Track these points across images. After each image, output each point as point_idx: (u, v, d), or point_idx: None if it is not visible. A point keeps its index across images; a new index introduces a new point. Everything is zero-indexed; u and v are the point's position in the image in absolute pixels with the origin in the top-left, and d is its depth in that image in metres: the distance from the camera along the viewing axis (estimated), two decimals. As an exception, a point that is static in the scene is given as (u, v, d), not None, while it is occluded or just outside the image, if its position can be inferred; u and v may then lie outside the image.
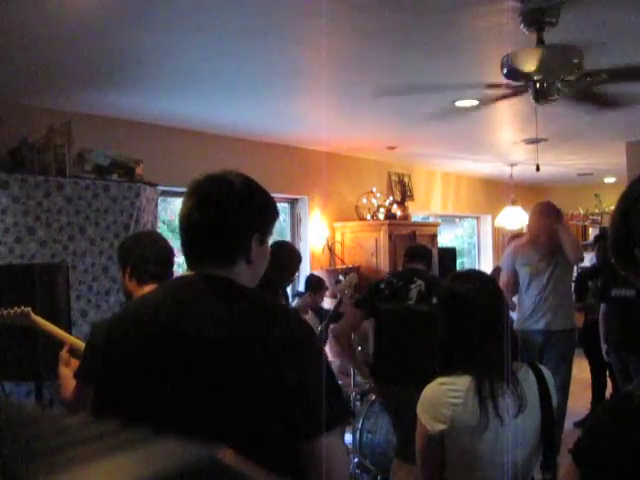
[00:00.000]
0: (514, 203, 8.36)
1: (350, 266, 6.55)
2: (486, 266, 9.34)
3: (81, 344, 2.26)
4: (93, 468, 0.34)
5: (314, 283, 5.12)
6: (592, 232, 9.65)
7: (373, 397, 4.34)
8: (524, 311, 4.56)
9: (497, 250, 9.94)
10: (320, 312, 5.02)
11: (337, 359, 4.58)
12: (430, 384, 1.85)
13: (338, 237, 7.02)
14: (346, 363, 4.40)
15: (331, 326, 4.39)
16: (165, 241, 2.41)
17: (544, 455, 1.85)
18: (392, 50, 3.50)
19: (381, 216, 7.04)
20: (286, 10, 2.86)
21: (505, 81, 3.52)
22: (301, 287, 5.54)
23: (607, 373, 5.58)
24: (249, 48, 3.39)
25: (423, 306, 3.57)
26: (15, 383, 3.49)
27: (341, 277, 5.11)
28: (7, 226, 3.72)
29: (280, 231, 6.58)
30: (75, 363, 2.19)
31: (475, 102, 4.59)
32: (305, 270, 6.16)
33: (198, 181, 1.44)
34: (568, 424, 4.63)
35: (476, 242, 10.34)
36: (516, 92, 3.76)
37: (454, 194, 9.20)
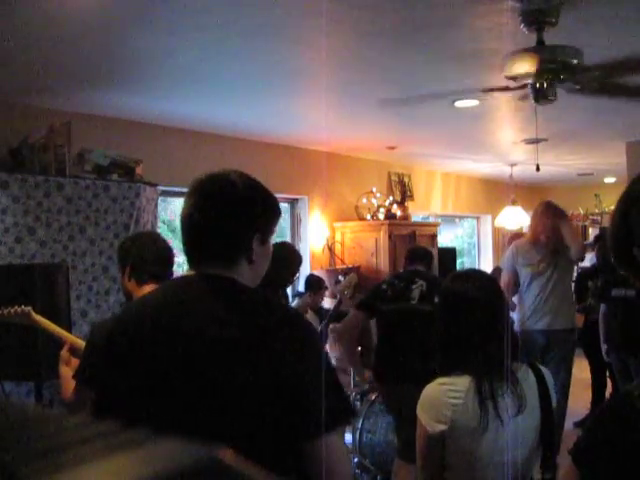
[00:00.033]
0: (514, 203, 8.36)
1: (350, 266, 6.55)
2: (486, 266, 9.34)
3: (82, 343, 2.26)
4: (93, 468, 0.34)
5: (314, 283, 5.12)
6: (592, 232, 9.64)
7: (373, 397, 4.34)
8: (525, 311, 4.57)
9: (497, 250, 9.94)
10: (320, 312, 5.02)
11: (336, 359, 4.58)
12: (430, 384, 1.84)
13: (338, 237, 7.02)
14: (346, 363, 4.41)
15: (331, 326, 4.40)
16: (164, 241, 2.41)
17: (543, 455, 1.86)
18: (392, 50, 3.50)
19: (381, 216, 7.05)
20: (286, 10, 2.86)
21: (505, 81, 3.52)
22: (301, 287, 5.54)
23: (607, 373, 5.58)
24: (249, 48, 3.39)
25: (425, 306, 3.58)
26: (15, 383, 3.49)
27: (341, 277, 5.11)
28: (7, 226, 3.72)
29: (280, 231, 6.58)
30: (76, 362, 2.19)
31: (475, 102, 4.59)
32: (305, 270, 6.16)
33: (200, 180, 1.43)
34: (568, 424, 4.63)
35: (476, 242, 10.34)
36: (516, 92, 3.76)
37: (454, 194, 9.20)
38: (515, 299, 4.69)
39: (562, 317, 4.49)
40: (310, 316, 4.79)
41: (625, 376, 4.73)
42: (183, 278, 1.50)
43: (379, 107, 4.81)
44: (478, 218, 10.20)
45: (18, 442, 0.37)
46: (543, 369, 1.92)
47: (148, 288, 2.12)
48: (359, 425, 4.24)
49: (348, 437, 4.18)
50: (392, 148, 6.75)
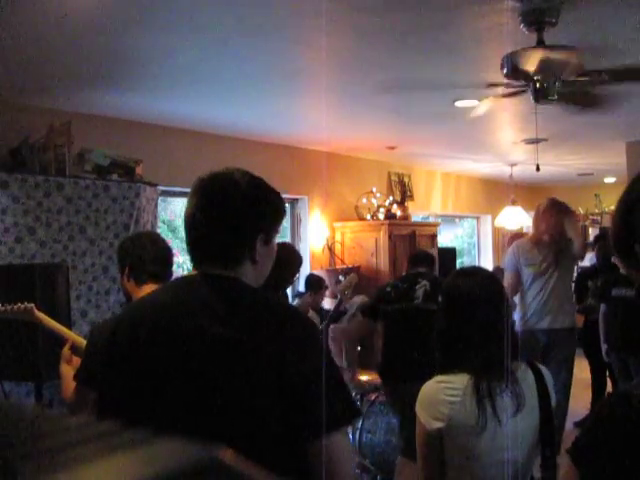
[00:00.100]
0: (514, 203, 8.36)
1: (350, 266, 6.55)
2: (486, 266, 9.34)
3: (83, 341, 2.26)
4: (93, 468, 0.34)
5: (314, 283, 5.12)
6: (592, 232, 9.65)
7: (373, 397, 4.35)
8: (526, 311, 4.57)
9: (497, 250, 9.95)
10: (321, 312, 5.02)
11: (336, 358, 4.58)
12: (428, 382, 1.85)
13: (338, 237, 7.02)
14: (341, 361, 4.43)
15: (332, 326, 4.41)
16: (164, 241, 2.41)
17: (543, 454, 1.86)
18: (392, 50, 3.50)
19: (381, 216, 7.05)
20: (286, 10, 2.86)
21: (505, 81, 3.52)
22: (301, 287, 5.54)
23: (607, 373, 5.58)
24: (249, 48, 3.39)
25: (429, 305, 3.61)
26: (15, 383, 3.49)
27: (341, 277, 5.12)
28: (7, 226, 3.72)
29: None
30: (77, 361, 2.19)
31: (475, 102, 4.59)
32: (305, 270, 6.16)
33: (203, 179, 1.42)
34: (568, 424, 4.63)
35: (476, 242, 10.34)
36: (516, 92, 3.76)
37: (454, 194, 9.21)
38: (516, 299, 4.69)
39: (563, 316, 4.49)
40: (311, 316, 4.79)
41: (625, 376, 4.73)
42: (186, 278, 1.49)
43: (379, 107, 4.81)
44: (478, 218, 10.21)
45: (18, 442, 0.37)
46: (542, 368, 1.92)
47: (147, 288, 2.12)
48: (359, 425, 4.25)
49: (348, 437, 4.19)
50: (392, 148, 6.75)
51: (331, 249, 6.84)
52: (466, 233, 10.81)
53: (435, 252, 6.93)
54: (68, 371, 2.18)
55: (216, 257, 1.39)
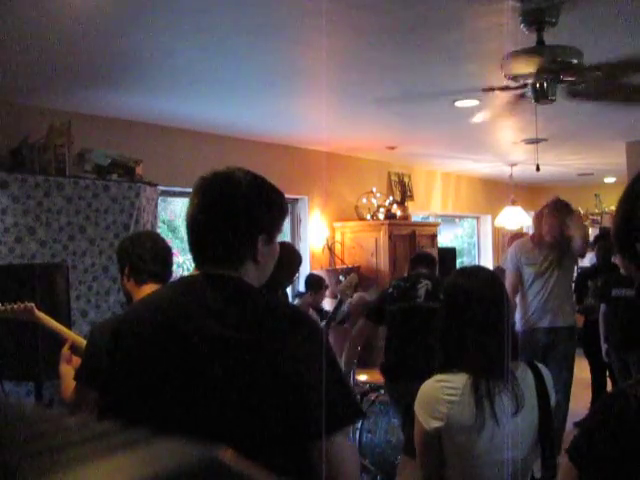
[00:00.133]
0: (514, 203, 8.36)
1: (350, 266, 6.55)
2: (486, 266, 9.34)
3: (83, 341, 2.26)
4: (93, 468, 0.34)
5: (314, 283, 5.12)
6: (592, 232, 9.64)
7: (373, 397, 4.35)
8: (527, 309, 4.57)
9: (497, 250, 9.95)
10: (321, 312, 5.02)
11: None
12: (427, 381, 1.85)
13: (338, 237, 7.02)
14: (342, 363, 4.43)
15: (332, 324, 4.42)
16: (164, 241, 2.41)
17: (542, 454, 1.86)
18: (392, 50, 3.50)
19: (381, 216, 7.05)
20: (286, 10, 2.86)
21: (505, 81, 3.52)
22: (301, 287, 5.54)
23: (607, 373, 5.58)
24: (249, 48, 3.39)
25: (431, 303, 3.63)
26: (15, 383, 3.50)
27: (341, 277, 5.12)
28: (7, 226, 3.72)
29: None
30: (77, 361, 2.19)
31: (475, 102, 4.59)
32: (305, 270, 6.17)
33: (204, 179, 1.42)
34: (568, 424, 4.62)
35: (476, 242, 10.34)
36: (516, 92, 3.77)
37: (454, 194, 9.21)
38: (517, 298, 4.69)
39: (564, 315, 4.50)
40: (311, 315, 4.79)
41: (625, 376, 4.72)
42: (188, 278, 1.48)
43: (379, 107, 4.81)
44: (478, 218, 10.21)
45: (18, 442, 0.37)
46: (542, 368, 1.92)
47: (147, 288, 2.12)
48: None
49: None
50: (392, 148, 6.75)
51: (331, 249, 6.84)
52: (466, 233, 10.82)
53: (435, 252, 6.93)
54: (68, 371, 2.18)
55: (218, 257, 1.39)
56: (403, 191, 7.85)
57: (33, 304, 2.34)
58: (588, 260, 6.37)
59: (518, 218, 8.26)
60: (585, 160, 7.86)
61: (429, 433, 1.78)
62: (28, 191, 3.79)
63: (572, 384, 4.53)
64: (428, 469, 1.84)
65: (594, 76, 3.62)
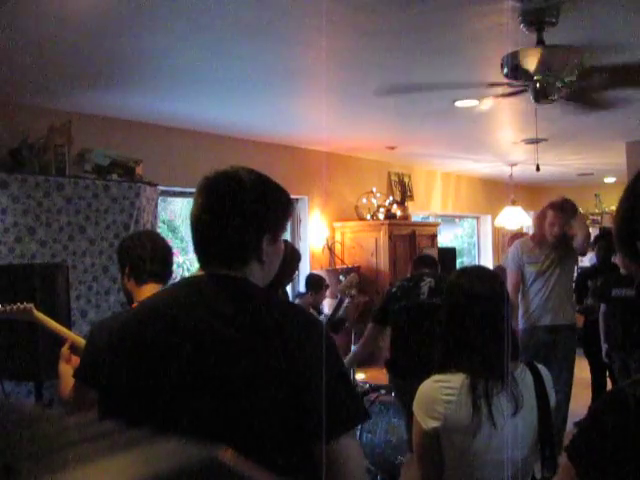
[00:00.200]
0: (514, 203, 8.36)
1: (350, 266, 6.55)
2: (486, 266, 9.35)
3: (82, 341, 2.26)
4: (93, 468, 0.34)
5: (315, 282, 5.13)
6: (592, 232, 9.64)
7: (373, 397, 4.35)
8: (528, 308, 4.58)
9: (497, 250, 9.95)
10: (322, 312, 5.02)
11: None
12: (426, 381, 1.85)
13: (338, 237, 7.03)
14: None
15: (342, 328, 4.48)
16: (164, 241, 2.41)
17: (542, 454, 1.86)
18: (392, 50, 3.50)
19: (381, 216, 7.05)
20: (286, 10, 2.86)
21: (505, 81, 3.52)
22: (301, 287, 5.54)
23: (607, 373, 5.58)
24: (249, 48, 3.39)
25: (435, 299, 3.66)
26: (15, 383, 3.50)
27: (341, 277, 5.12)
28: (7, 226, 3.72)
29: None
30: (76, 360, 2.19)
31: (475, 102, 4.59)
32: (305, 270, 6.17)
33: (208, 179, 1.41)
34: (568, 424, 4.63)
35: (476, 242, 10.34)
36: (516, 92, 3.77)
37: (454, 194, 9.21)
38: (518, 297, 4.69)
39: (565, 313, 4.51)
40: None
41: (625, 376, 4.73)
42: (192, 278, 1.48)
43: (379, 107, 4.81)
44: (478, 218, 10.21)
45: (18, 442, 0.37)
46: (541, 368, 1.92)
47: (147, 288, 2.12)
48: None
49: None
50: (392, 148, 6.75)
51: (331, 249, 6.84)
52: (466, 233, 10.82)
53: (435, 252, 6.94)
54: (67, 370, 2.18)
55: (222, 257, 1.38)
56: (403, 191, 7.85)
57: (32, 305, 2.34)
58: (588, 260, 6.37)
59: (518, 218, 8.26)
60: (585, 160, 7.86)
61: (427, 433, 1.78)
62: (28, 191, 3.79)
63: (572, 384, 4.54)
64: (426, 469, 1.84)
65: (594, 76, 3.62)
